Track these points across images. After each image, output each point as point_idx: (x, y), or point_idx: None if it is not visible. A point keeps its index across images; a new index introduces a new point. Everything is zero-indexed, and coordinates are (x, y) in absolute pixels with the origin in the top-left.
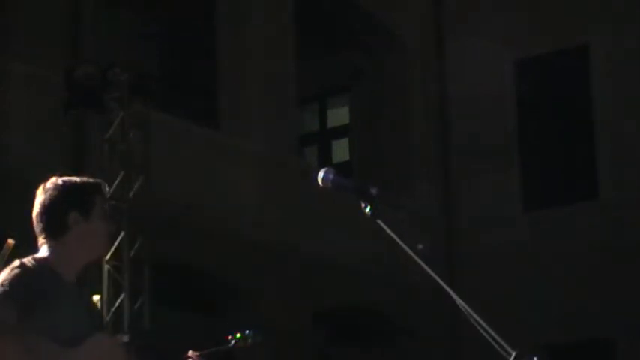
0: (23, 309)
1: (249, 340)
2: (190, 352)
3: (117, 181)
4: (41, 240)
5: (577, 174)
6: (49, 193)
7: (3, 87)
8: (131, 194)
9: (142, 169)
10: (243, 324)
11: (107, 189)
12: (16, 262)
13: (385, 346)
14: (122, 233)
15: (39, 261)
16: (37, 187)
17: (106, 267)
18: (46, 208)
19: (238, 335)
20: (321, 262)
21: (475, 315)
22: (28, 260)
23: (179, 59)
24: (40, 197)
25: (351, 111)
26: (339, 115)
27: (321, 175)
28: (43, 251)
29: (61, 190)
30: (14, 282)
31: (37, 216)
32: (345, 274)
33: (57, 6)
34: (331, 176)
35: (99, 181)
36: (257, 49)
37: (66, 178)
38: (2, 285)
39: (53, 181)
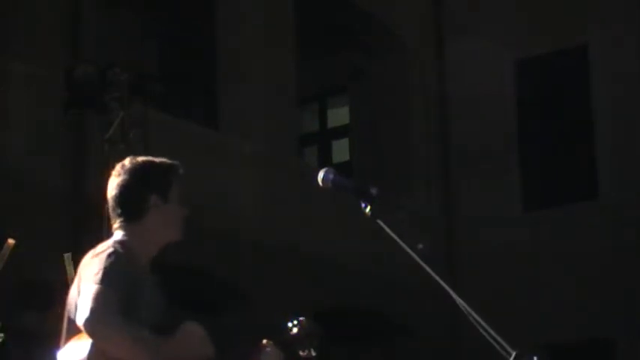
0: (122, 299)
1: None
2: (265, 341)
3: None
4: (117, 224)
5: (577, 174)
6: (128, 174)
7: (3, 87)
8: None
9: None
10: (246, 324)
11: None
12: (109, 250)
13: (385, 346)
14: None
15: (123, 247)
16: (37, 187)
17: None
18: (124, 190)
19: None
20: (321, 262)
21: (475, 315)
22: (115, 247)
23: (179, 59)
24: (117, 178)
25: (351, 111)
26: (339, 115)
27: (321, 175)
28: (119, 235)
29: (141, 171)
30: (112, 271)
31: (114, 198)
32: (345, 274)
33: (57, 6)
34: (331, 176)
35: (176, 162)
36: (257, 50)
37: (144, 158)
38: (103, 275)
39: (131, 161)
